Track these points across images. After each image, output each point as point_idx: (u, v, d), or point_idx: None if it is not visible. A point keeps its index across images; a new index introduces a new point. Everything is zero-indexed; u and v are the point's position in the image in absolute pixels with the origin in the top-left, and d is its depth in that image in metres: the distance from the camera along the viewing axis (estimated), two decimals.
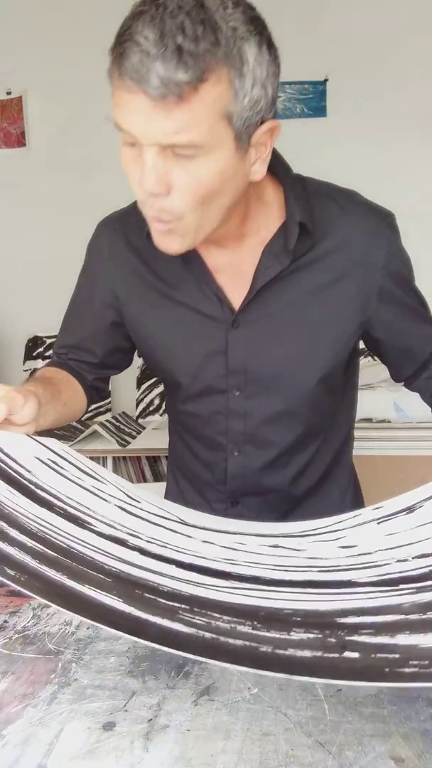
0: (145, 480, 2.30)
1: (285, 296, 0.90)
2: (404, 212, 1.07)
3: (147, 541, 0.61)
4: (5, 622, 0.67)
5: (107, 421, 2.32)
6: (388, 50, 2.45)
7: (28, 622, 0.67)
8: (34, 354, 2.56)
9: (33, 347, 2.57)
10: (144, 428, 2.37)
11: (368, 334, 0.96)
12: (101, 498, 0.68)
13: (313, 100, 2.45)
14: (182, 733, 0.49)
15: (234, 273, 0.90)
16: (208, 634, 0.49)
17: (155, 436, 2.23)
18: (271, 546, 0.65)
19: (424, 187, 2.46)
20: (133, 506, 0.69)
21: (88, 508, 0.64)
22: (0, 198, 2.59)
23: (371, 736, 0.49)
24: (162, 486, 1.19)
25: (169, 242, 0.78)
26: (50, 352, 2.39)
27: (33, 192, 2.57)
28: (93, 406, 2.44)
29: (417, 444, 2.10)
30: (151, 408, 2.48)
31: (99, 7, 2.50)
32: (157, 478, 2.27)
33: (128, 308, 0.97)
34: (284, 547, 0.64)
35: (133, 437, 2.25)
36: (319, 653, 0.46)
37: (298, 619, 0.50)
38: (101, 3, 2.50)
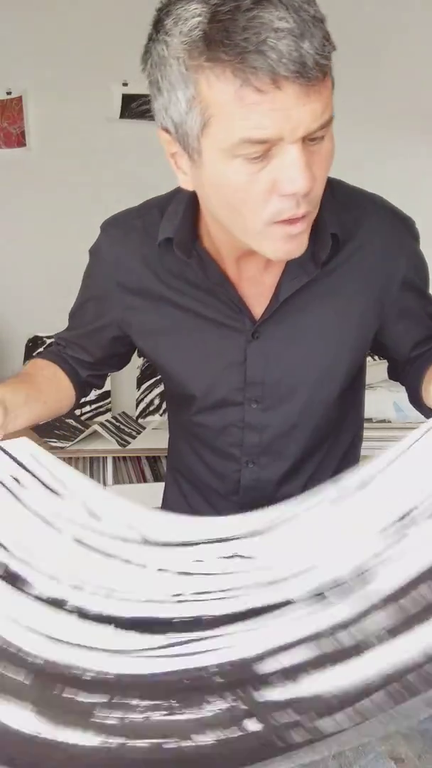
0: (145, 480, 2.30)
1: (307, 306, 0.86)
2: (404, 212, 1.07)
3: (91, 594, 0.59)
4: None
5: (107, 421, 2.32)
6: (388, 50, 2.45)
7: None
8: (34, 354, 2.54)
9: (33, 347, 2.57)
10: (144, 428, 2.36)
11: (376, 340, 0.95)
12: (56, 529, 0.66)
13: None
14: None
15: (255, 282, 0.86)
16: (113, 744, 0.47)
17: (155, 436, 2.23)
18: (227, 558, 0.63)
19: (425, 186, 2.46)
20: (92, 531, 0.67)
21: (33, 555, 0.62)
22: (0, 198, 2.59)
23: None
24: (161, 486, 1.18)
25: (298, 243, 0.72)
26: None
27: (33, 192, 2.56)
28: (93, 406, 2.44)
29: None
30: (151, 408, 2.47)
31: (99, 7, 2.50)
32: (157, 478, 2.27)
33: (136, 323, 0.93)
34: (240, 557, 0.63)
35: (133, 437, 2.25)
36: (222, 736, 0.46)
37: (218, 679, 0.49)
38: (101, 3, 2.50)
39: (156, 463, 2.31)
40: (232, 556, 0.64)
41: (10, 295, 2.59)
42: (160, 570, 0.63)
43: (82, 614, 0.58)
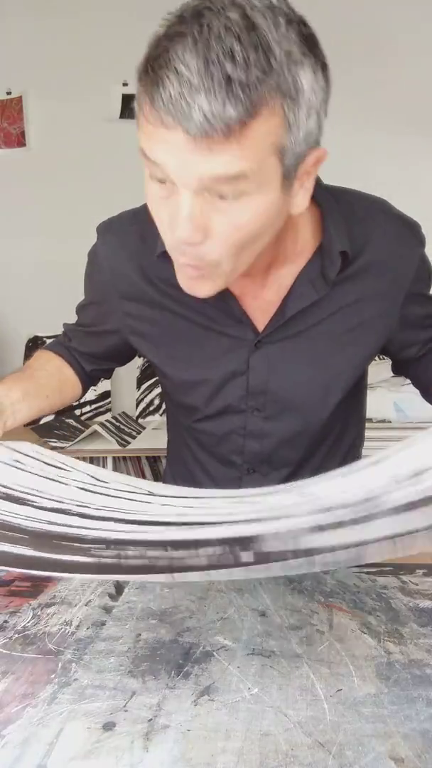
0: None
1: (313, 319, 0.85)
2: (404, 212, 1.07)
3: (95, 509, 0.59)
4: (5, 622, 0.67)
5: (107, 421, 2.32)
6: (389, 50, 2.45)
7: (28, 622, 0.67)
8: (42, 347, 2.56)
9: (33, 347, 2.57)
10: (144, 428, 2.37)
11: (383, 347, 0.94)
12: (60, 482, 0.67)
13: None
14: (182, 733, 0.49)
15: (257, 296, 0.85)
16: (109, 560, 0.50)
17: (155, 436, 2.23)
18: (235, 500, 0.64)
19: (424, 186, 2.46)
20: (98, 486, 0.68)
21: (37, 490, 0.63)
22: (0, 198, 2.59)
23: (371, 736, 0.49)
24: None
25: (200, 287, 0.71)
26: None
27: (33, 192, 2.57)
28: (93, 406, 2.45)
29: None
30: (151, 408, 2.48)
31: (99, 7, 2.50)
32: (157, 478, 2.27)
33: (137, 330, 0.92)
34: (248, 498, 0.64)
35: (133, 437, 2.25)
36: (215, 561, 0.48)
37: (211, 538, 0.50)
38: (102, 3, 2.50)
39: (156, 463, 2.31)
40: (239, 500, 0.64)
41: (10, 295, 2.59)
42: (164, 504, 0.63)
43: (85, 516, 0.58)
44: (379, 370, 2.02)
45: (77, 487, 0.66)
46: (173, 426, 1.07)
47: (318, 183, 0.81)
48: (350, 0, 2.41)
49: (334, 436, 0.98)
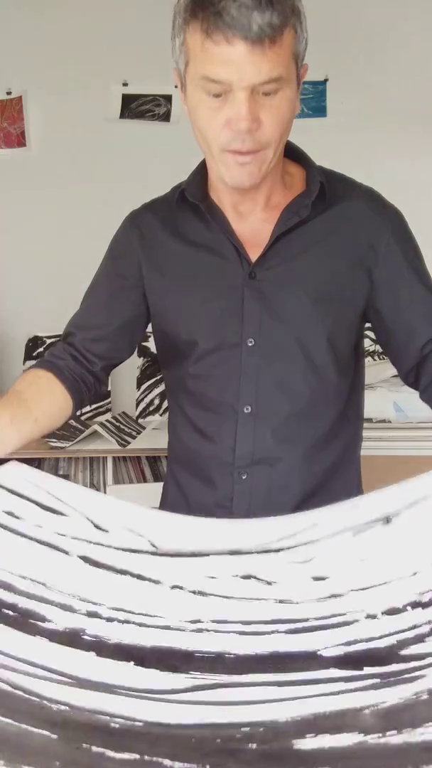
0: (145, 480, 2.30)
1: (299, 250, 0.99)
2: (403, 212, 1.07)
3: (107, 620, 0.57)
4: None
5: (107, 421, 2.32)
6: (388, 50, 2.45)
7: None
8: (34, 354, 2.55)
9: (33, 347, 2.56)
10: (144, 428, 2.36)
11: (374, 309, 1.01)
12: (62, 551, 0.64)
13: (313, 100, 2.44)
14: None
15: (253, 235, 1.00)
16: None
17: (155, 436, 2.23)
18: (243, 577, 0.62)
19: (424, 186, 2.46)
20: (100, 546, 0.65)
21: (44, 585, 0.60)
22: (0, 198, 2.59)
23: None
24: (161, 486, 1.18)
25: (247, 172, 0.90)
26: None
27: (33, 192, 2.56)
28: (93, 406, 2.44)
29: (417, 444, 2.10)
30: (151, 408, 2.47)
31: (99, 7, 2.50)
32: (157, 478, 2.27)
33: (148, 267, 1.04)
34: (256, 579, 0.62)
35: (133, 437, 2.25)
36: None
37: (252, 746, 0.46)
38: (102, 3, 2.50)
39: (156, 463, 2.31)
40: (247, 577, 0.62)
41: (10, 295, 2.59)
42: (174, 587, 0.62)
43: (100, 647, 0.56)
44: (380, 370, 2.02)
45: (80, 558, 0.63)
46: (170, 386, 1.11)
47: (310, 161, 1.03)
48: (351, 0, 2.40)
49: (327, 427, 1.01)
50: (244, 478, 1.00)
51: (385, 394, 2.17)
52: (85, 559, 0.64)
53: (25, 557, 0.64)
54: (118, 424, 2.33)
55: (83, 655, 0.55)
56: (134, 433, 2.28)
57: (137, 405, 2.48)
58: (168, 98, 2.47)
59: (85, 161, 2.53)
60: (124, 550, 0.65)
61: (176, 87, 0.94)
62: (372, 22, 2.43)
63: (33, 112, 2.56)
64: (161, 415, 2.42)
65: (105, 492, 2.21)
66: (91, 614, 0.58)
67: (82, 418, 2.42)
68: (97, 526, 0.68)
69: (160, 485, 1.19)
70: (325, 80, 2.44)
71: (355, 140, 2.43)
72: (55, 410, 0.99)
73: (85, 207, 2.46)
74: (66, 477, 2.37)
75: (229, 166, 0.90)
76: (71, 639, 0.57)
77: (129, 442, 2.19)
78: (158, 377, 2.42)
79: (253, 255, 0.99)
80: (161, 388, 2.40)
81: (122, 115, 2.52)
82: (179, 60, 0.88)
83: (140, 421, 2.45)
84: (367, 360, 1.59)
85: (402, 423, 2.18)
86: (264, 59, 0.81)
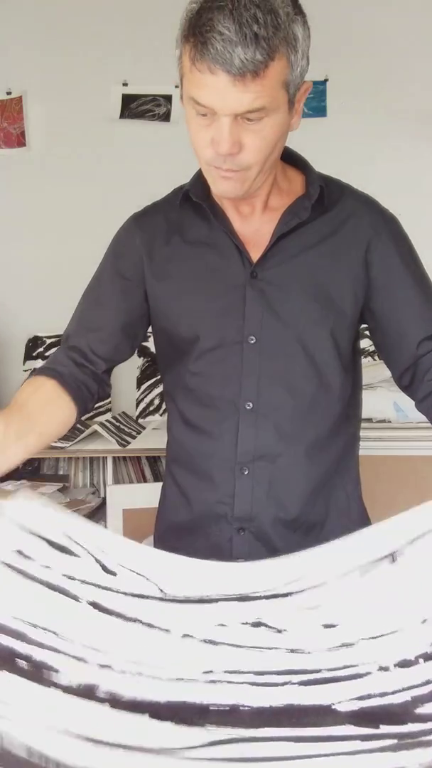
0: (144, 480, 2.30)
1: (300, 251, 1.01)
2: (404, 212, 1.08)
3: (120, 673, 0.56)
4: None
5: (107, 421, 2.32)
6: (389, 50, 2.45)
7: None
8: (34, 354, 2.55)
9: (33, 347, 2.57)
10: (144, 428, 2.37)
11: (370, 309, 1.03)
12: (72, 597, 0.63)
13: (313, 100, 2.44)
14: None
15: (255, 235, 1.02)
16: None
17: (155, 436, 2.23)
18: (253, 625, 0.61)
19: (425, 186, 2.46)
20: (109, 591, 0.64)
21: (56, 634, 0.59)
22: (0, 198, 2.59)
23: None
24: (161, 486, 1.18)
25: (230, 186, 0.92)
26: (50, 352, 2.38)
27: (33, 192, 2.57)
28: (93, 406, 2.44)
29: (417, 444, 2.10)
30: (151, 408, 2.47)
31: (99, 7, 2.50)
32: (156, 478, 2.27)
33: (151, 265, 1.05)
34: (266, 626, 0.61)
35: (133, 437, 2.25)
36: None
37: None
38: (102, 4, 2.50)
39: (156, 463, 2.31)
40: (257, 625, 0.61)
41: (10, 295, 2.59)
42: (184, 636, 0.61)
43: (115, 701, 0.55)
44: (379, 370, 2.01)
45: (89, 604, 0.63)
46: (170, 386, 1.11)
47: (309, 166, 1.05)
48: (351, 0, 2.41)
49: (330, 424, 1.02)
50: (245, 473, 1.01)
51: (385, 394, 2.17)
52: (95, 605, 0.63)
53: (35, 604, 0.63)
54: (118, 424, 2.33)
55: (97, 707, 0.54)
56: (134, 433, 2.29)
57: (137, 405, 2.49)
58: (168, 98, 2.47)
59: (85, 161, 2.53)
60: (132, 595, 0.64)
61: (176, 87, 0.94)
62: (372, 22, 2.43)
63: (33, 112, 2.56)
64: (161, 415, 2.42)
65: (105, 492, 2.21)
66: (104, 666, 0.57)
67: (82, 417, 2.42)
68: (105, 568, 0.67)
69: (159, 485, 1.18)
70: (325, 80, 2.44)
71: (355, 140, 2.44)
72: (59, 420, 1.00)
73: (84, 207, 2.46)
74: (66, 477, 2.37)
75: (213, 178, 0.93)
76: (86, 693, 0.56)
77: (129, 442, 2.19)
78: (158, 377, 2.42)
79: (255, 255, 1.01)
80: (161, 388, 2.39)
81: (122, 115, 2.52)
82: (178, 69, 0.90)
83: (140, 421, 2.45)
84: (368, 360, 1.59)
85: (402, 423, 2.18)
86: (246, 90, 0.82)
